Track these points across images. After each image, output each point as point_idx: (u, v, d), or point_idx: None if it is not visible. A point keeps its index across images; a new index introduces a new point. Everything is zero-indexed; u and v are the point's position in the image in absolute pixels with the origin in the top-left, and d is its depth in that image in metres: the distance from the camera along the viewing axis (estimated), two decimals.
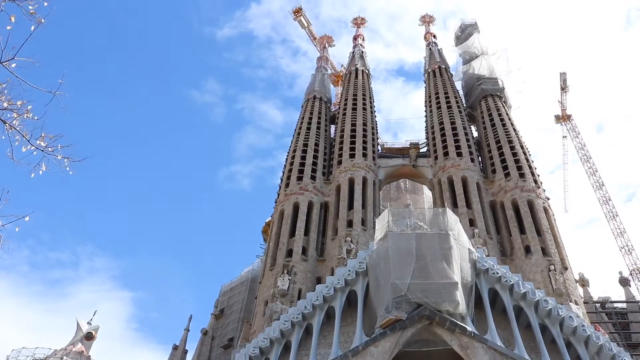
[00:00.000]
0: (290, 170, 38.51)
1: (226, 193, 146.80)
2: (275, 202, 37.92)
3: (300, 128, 42.90)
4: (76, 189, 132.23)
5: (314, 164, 38.82)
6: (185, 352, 44.96)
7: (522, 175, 36.40)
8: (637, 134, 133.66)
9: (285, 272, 30.70)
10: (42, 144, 8.60)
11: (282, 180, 39.07)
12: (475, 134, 44.26)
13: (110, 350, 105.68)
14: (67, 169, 8.88)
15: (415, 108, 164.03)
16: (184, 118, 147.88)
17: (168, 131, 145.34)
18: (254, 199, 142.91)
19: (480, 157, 40.83)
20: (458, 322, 20.50)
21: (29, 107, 8.44)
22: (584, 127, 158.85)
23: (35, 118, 8.52)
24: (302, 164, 38.43)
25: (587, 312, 33.33)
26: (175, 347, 44.86)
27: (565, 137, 69.90)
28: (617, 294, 47.07)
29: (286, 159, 40.86)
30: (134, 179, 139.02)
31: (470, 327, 20.65)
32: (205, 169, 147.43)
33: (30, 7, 8.12)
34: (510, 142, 39.42)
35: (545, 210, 34.47)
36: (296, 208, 35.09)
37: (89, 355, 32.87)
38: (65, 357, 30.93)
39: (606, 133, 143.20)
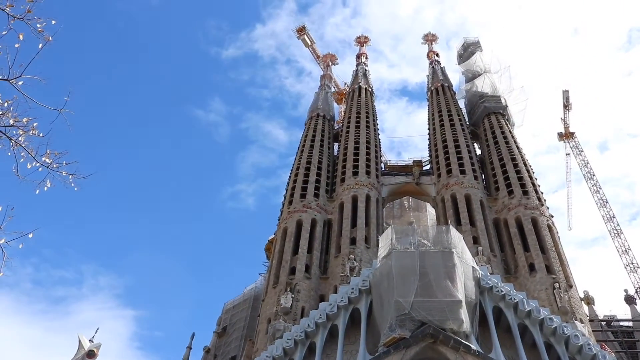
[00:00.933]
0: (293, 188, 38.54)
1: (230, 211, 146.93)
2: (279, 220, 37.89)
3: (303, 146, 43.01)
4: (80, 206, 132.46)
5: (317, 181, 38.85)
6: None
7: (525, 193, 36.36)
8: None
9: (289, 289, 30.59)
10: (47, 160, 8.63)
11: (285, 197, 39.08)
12: (479, 152, 44.30)
13: None
14: (72, 185, 8.90)
15: (419, 128, 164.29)
16: (189, 137, 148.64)
17: (172, 150, 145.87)
18: (258, 217, 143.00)
19: (483, 175, 40.84)
20: (462, 341, 20.35)
21: (35, 124, 8.49)
22: (588, 146, 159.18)
23: (41, 135, 8.56)
24: (306, 182, 38.47)
25: (593, 331, 33.06)
26: None
27: (569, 154, 69.91)
28: (622, 312, 46.69)
29: (289, 177, 40.91)
30: (138, 197, 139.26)
31: (474, 346, 20.50)
32: (209, 187, 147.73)
33: (38, 26, 8.20)
34: (513, 159, 39.43)
35: (549, 228, 34.36)
36: (299, 226, 35.06)
37: None
38: None
39: (610, 152, 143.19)
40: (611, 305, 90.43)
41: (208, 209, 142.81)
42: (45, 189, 8.77)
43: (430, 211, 46.62)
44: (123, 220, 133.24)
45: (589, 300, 43.35)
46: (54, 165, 8.72)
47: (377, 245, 27.28)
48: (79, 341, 34.49)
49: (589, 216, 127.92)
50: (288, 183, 40.34)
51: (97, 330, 35.92)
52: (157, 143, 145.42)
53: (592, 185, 64.24)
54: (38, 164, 8.60)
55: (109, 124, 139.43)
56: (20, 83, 8.07)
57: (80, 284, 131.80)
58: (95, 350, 34.13)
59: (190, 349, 45.47)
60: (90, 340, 34.62)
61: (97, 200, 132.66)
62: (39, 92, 8.50)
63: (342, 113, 53.75)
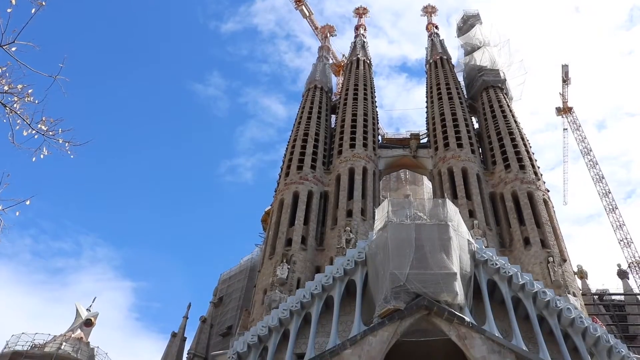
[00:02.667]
0: (290, 160, 38.48)
1: (228, 185, 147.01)
2: (275, 191, 37.91)
3: (300, 117, 42.81)
4: (78, 178, 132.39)
5: (314, 153, 38.78)
6: (184, 339, 45.04)
7: (522, 167, 36.39)
8: (638, 132, 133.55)
9: (285, 261, 30.75)
10: (43, 127, 8.57)
11: (282, 169, 39.04)
12: (476, 126, 44.20)
13: (111, 338, 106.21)
14: (69, 152, 8.85)
15: (418, 104, 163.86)
16: (188, 110, 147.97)
17: (171, 123, 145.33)
18: (256, 192, 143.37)
19: (480, 149, 40.80)
20: (456, 313, 20.54)
21: (30, 91, 8.40)
22: (585, 124, 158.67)
23: (36, 102, 8.48)
24: (303, 154, 38.39)
25: (585, 304, 33.41)
26: (174, 335, 44.95)
27: (566, 129, 69.89)
28: (615, 287, 47.25)
29: (286, 148, 40.81)
30: (134, 169, 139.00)
31: (468, 318, 20.70)
32: (207, 161, 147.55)
33: None
34: (511, 133, 39.37)
35: (545, 202, 34.48)
36: (296, 197, 35.09)
37: (88, 342, 32.94)
38: (64, 343, 30.97)
39: (607, 131, 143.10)
40: (604, 279, 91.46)
41: (206, 182, 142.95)
42: (42, 156, 8.72)
43: (427, 184, 46.73)
44: (120, 193, 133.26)
45: (582, 275, 43.78)
46: (50, 133, 8.66)
47: (374, 218, 27.36)
48: (77, 310, 34.76)
49: (585, 194, 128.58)
50: (285, 154, 40.26)
51: (94, 300, 36.26)
52: (155, 116, 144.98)
53: (589, 161, 64.37)
54: (34, 131, 8.54)
55: (106, 94, 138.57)
56: (13, 49, 7.95)
57: (79, 255, 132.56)
58: (92, 319, 34.41)
59: (187, 318, 45.85)
60: (87, 310, 34.90)
61: (95, 171, 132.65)
62: (33, 59, 8.39)
63: (340, 85, 53.44)
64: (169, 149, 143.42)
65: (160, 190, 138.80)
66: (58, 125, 8.68)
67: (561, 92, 70.44)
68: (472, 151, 38.37)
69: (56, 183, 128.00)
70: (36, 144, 8.58)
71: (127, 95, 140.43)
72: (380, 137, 44.02)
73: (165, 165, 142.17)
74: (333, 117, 46.25)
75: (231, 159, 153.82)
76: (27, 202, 8.68)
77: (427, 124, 44.22)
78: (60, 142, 8.74)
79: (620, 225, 57.03)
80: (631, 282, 49.41)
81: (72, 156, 8.96)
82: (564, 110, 70.11)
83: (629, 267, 52.20)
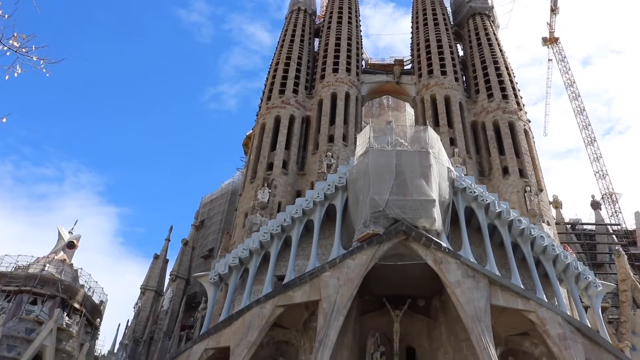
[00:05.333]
0: (272, 83, 37.92)
1: (211, 112, 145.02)
2: (257, 115, 37.56)
3: (283, 40, 41.86)
4: (56, 101, 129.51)
5: (297, 77, 38.21)
6: (166, 261, 45.65)
7: (505, 97, 36.33)
8: (622, 70, 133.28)
9: (266, 185, 30.86)
10: (15, 44, 8.24)
11: (264, 93, 38.52)
12: (462, 53, 43.69)
13: (97, 262, 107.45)
14: (44, 70, 8.57)
15: (405, 35, 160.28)
16: (170, 36, 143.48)
17: (153, 48, 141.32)
18: (239, 119, 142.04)
19: (464, 77, 40.52)
20: (433, 238, 20.99)
21: None
22: (571, 60, 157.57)
23: (6, 16, 8.11)
24: (285, 77, 37.82)
25: (558, 233, 34.34)
26: (156, 257, 45.50)
27: (551, 60, 69.39)
28: (588, 217, 48.49)
29: (268, 72, 40.11)
30: (115, 95, 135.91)
31: (445, 243, 21.18)
32: (191, 88, 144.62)
33: None
34: (495, 62, 39.05)
35: (526, 132, 34.68)
36: (277, 121, 34.84)
37: (72, 264, 33.21)
38: (48, 265, 31.18)
39: (592, 67, 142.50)
40: (578, 210, 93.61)
41: (189, 109, 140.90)
42: (16, 74, 8.44)
43: (409, 111, 46.59)
44: (101, 115, 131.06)
45: (557, 204, 44.72)
46: (23, 50, 8.35)
47: (355, 143, 27.39)
48: (59, 233, 34.81)
49: (565, 130, 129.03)
50: (267, 78, 39.62)
51: (75, 222, 36.26)
52: (136, 40, 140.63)
53: (572, 93, 64.40)
54: (6, 48, 8.22)
55: (83, 15, 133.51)
56: None
57: (62, 181, 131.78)
58: (75, 241, 34.54)
59: (169, 241, 46.30)
60: (69, 232, 34.97)
61: (73, 93, 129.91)
62: None
63: (324, 8, 52.00)
64: (151, 74, 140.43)
65: (142, 116, 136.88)
66: (31, 41, 8.37)
67: (549, 22, 69.45)
68: (456, 79, 38.11)
69: (34, 106, 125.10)
70: (9, 61, 8.30)
71: (107, 17, 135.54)
72: (364, 63, 43.36)
73: (148, 91, 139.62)
74: (316, 40, 45.29)
75: (215, 87, 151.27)
76: (4, 120, 8.48)
77: (412, 50, 43.58)
78: (35, 59, 8.45)
79: (597, 158, 57.87)
80: (603, 213, 50.68)
81: (47, 74, 8.69)
82: (550, 40, 69.34)
83: (602, 198, 53.36)
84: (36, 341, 26.66)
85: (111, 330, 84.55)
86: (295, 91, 37.13)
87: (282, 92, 36.82)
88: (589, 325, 21.69)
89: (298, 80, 38.07)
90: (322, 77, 38.24)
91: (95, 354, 33.11)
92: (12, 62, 8.30)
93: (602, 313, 24.54)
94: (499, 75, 37.83)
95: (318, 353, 18.70)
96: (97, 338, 33.76)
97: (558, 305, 21.62)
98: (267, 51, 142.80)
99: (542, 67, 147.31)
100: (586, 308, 24.03)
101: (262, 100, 38.20)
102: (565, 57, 67.45)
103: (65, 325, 29.08)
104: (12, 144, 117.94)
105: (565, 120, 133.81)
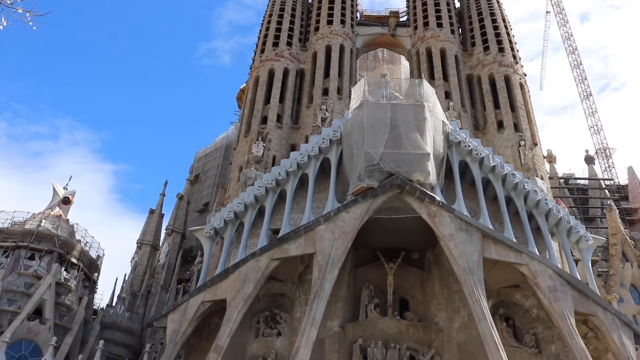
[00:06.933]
0: (265, 36, 37.32)
1: (205, 68, 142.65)
2: (250, 69, 37.13)
3: None
4: (48, 57, 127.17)
5: (291, 29, 37.59)
6: (162, 216, 45.84)
7: (501, 50, 35.90)
8: (620, 26, 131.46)
9: (260, 138, 30.74)
10: None
11: (257, 45, 37.96)
12: (458, 5, 42.94)
13: (94, 218, 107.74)
14: (31, 24, 8.39)
15: None
16: None
17: (144, 2, 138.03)
18: (234, 74, 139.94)
19: (460, 29, 39.91)
20: (427, 192, 21.10)
21: None
22: (569, 15, 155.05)
23: None
24: (279, 30, 37.19)
25: (551, 187, 34.54)
26: (151, 211, 45.65)
27: (549, 12, 68.42)
28: (581, 171, 48.76)
29: (262, 24, 39.43)
30: (108, 49, 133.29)
31: (439, 197, 21.31)
32: (184, 44, 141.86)
33: None
34: (492, 14, 38.42)
35: (521, 86, 34.44)
36: (271, 75, 34.44)
37: (68, 219, 33.33)
38: (44, 221, 31.28)
39: (590, 23, 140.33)
40: (571, 164, 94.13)
41: (183, 64, 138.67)
42: (1, 27, 8.26)
43: (405, 64, 46.08)
44: (93, 70, 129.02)
45: (551, 159, 44.88)
46: (7, 1, 8.16)
47: (350, 97, 27.18)
48: (54, 189, 34.81)
49: (561, 86, 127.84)
50: (260, 31, 38.98)
51: (70, 178, 36.26)
52: None
53: (569, 46, 63.62)
54: None
55: None
56: None
57: (57, 139, 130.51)
58: (70, 197, 34.59)
59: (164, 195, 46.40)
60: (64, 188, 34.96)
61: (63, 51, 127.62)
62: None
63: None
64: (144, 30, 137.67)
65: (136, 72, 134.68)
66: None
67: None
68: (452, 31, 37.57)
69: (25, 63, 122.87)
70: None
71: None
72: (358, 14, 42.57)
73: (141, 47, 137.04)
74: None
75: (209, 42, 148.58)
76: None
77: (407, 1, 42.79)
78: (20, 11, 8.25)
79: (592, 113, 57.63)
80: (597, 168, 50.91)
81: (34, 27, 8.51)
82: None
83: (596, 153, 53.45)
84: (35, 295, 27.01)
85: (109, 284, 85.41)
86: (289, 44, 36.60)
87: (275, 44, 36.28)
88: (579, 278, 22.08)
89: (292, 32, 37.47)
90: (316, 29, 37.64)
91: (94, 307, 33.64)
92: None
93: (592, 266, 24.98)
94: (496, 28, 37.31)
95: (313, 305, 19.01)
96: (96, 292, 34.25)
97: (549, 259, 21.96)
98: (261, 5, 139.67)
99: (540, 22, 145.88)
100: (577, 261, 24.38)
101: (255, 53, 37.69)
102: (563, 10, 66.40)
103: (63, 280, 29.43)
104: (5, 102, 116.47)
105: (561, 77, 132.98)
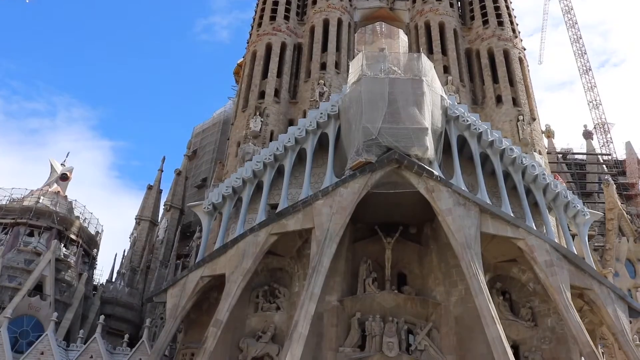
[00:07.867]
0: (263, 10, 36.89)
1: (203, 44, 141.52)
2: (248, 43, 36.79)
3: None
4: (44, 33, 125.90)
5: (288, 3, 37.12)
6: (160, 191, 45.96)
7: (500, 24, 35.55)
8: (620, 1, 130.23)
9: (258, 113, 30.58)
10: None
11: (254, 20, 37.56)
12: None
13: (93, 195, 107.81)
14: None
15: None
16: None
17: None
18: (232, 50, 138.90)
19: (459, 3, 39.47)
20: (425, 167, 21.11)
21: None
22: None
23: None
24: (276, 3, 36.73)
25: (549, 162, 34.57)
26: (149, 187, 45.73)
27: None
28: (579, 146, 48.82)
29: None
30: (104, 25, 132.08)
31: (437, 172, 21.32)
32: (181, 19, 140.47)
33: None
34: None
35: (520, 60, 34.19)
36: (269, 49, 34.13)
37: (66, 196, 33.35)
38: (42, 197, 31.30)
39: None
40: (570, 139, 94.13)
41: (180, 40, 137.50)
42: None
43: (403, 38, 45.72)
44: (90, 49, 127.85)
45: (549, 134, 44.95)
46: None
47: (348, 71, 26.99)
48: (51, 165, 34.76)
49: (560, 62, 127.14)
50: (257, 4, 38.53)
51: (67, 155, 36.23)
52: None
53: (569, 20, 63.16)
54: None
55: None
56: None
57: (54, 116, 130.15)
58: (68, 173, 34.58)
59: (162, 171, 46.52)
60: (62, 164, 34.90)
61: (60, 27, 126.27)
62: None
63: None
64: (141, 5, 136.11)
65: (133, 49, 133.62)
66: None
67: None
68: (451, 5, 37.13)
69: (20, 39, 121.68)
70: None
71: None
72: None
73: (138, 23, 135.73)
74: None
75: (207, 18, 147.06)
76: None
77: None
78: None
79: (591, 87, 57.43)
80: (595, 143, 50.95)
81: (27, 0, 8.35)
82: None
83: (595, 128, 53.40)
84: (35, 271, 27.17)
85: (108, 260, 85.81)
86: (286, 18, 36.21)
87: (273, 18, 35.89)
88: (575, 252, 22.21)
89: (289, 6, 37.03)
90: (314, 2, 37.19)
91: (94, 282, 33.88)
92: None
93: (589, 241, 25.08)
94: (495, 2, 36.85)
95: (311, 279, 19.13)
96: (95, 268, 34.46)
97: (546, 233, 22.06)
98: None
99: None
100: (573, 236, 24.51)
101: (252, 27, 37.31)
102: None
103: (63, 256, 29.59)
104: (2, 79, 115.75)
105: (561, 53, 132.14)
